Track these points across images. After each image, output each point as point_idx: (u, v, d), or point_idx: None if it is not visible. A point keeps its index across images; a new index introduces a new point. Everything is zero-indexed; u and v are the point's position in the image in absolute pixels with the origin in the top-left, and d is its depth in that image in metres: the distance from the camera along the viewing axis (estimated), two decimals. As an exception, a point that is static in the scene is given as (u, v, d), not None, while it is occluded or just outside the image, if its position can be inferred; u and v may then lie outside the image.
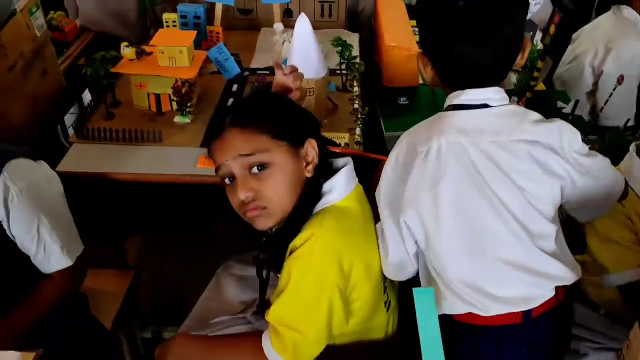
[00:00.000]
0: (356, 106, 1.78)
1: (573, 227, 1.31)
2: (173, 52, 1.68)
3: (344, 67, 1.86)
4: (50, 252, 1.27)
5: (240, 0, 2.21)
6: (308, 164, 1.11)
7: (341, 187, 1.11)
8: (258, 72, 1.98)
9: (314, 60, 1.57)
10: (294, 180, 1.09)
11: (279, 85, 1.26)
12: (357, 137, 1.64)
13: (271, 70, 1.99)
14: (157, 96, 1.72)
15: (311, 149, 1.11)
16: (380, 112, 2.07)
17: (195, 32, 1.75)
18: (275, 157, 1.07)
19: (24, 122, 1.77)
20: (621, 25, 2.13)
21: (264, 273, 1.27)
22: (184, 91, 1.65)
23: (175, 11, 2.09)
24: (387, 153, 1.87)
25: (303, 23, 1.54)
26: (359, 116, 1.73)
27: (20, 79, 1.75)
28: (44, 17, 1.97)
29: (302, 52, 1.56)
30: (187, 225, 2.35)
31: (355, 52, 1.86)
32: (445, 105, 1.13)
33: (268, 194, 1.06)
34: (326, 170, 1.13)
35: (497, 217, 1.04)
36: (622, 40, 2.09)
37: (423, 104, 2.09)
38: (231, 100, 1.81)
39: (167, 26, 2.06)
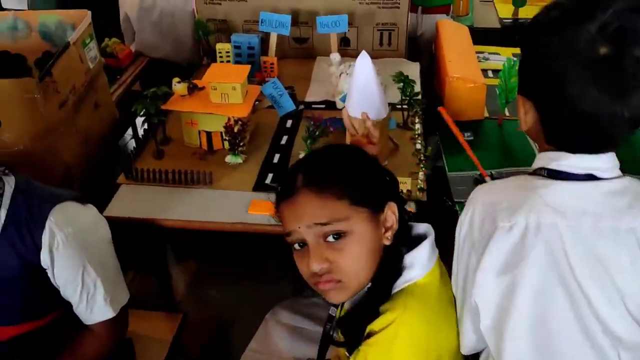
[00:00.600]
0: (418, 146, 1.66)
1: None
2: (225, 89, 1.60)
3: (404, 101, 1.73)
4: (93, 302, 1.20)
5: (295, 29, 2.12)
6: (387, 230, 0.99)
7: (424, 261, 0.98)
8: (313, 105, 1.88)
9: (375, 101, 1.45)
10: (372, 250, 0.96)
11: (356, 139, 1.14)
12: (419, 182, 1.51)
13: (327, 104, 1.89)
14: (209, 134, 1.64)
15: (391, 213, 0.99)
16: (443, 147, 1.93)
17: (248, 67, 1.67)
18: (354, 225, 0.94)
19: (76, 158, 1.72)
20: None
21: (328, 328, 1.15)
22: (236, 130, 1.57)
23: (228, 41, 2.02)
24: (449, 194, 1.76)
25: (364, 61, 1.43)
26: (422, 158, 1.60)
27: (71, 115, 1.71)
28: (98, 47, 1.93)
29: (363, 92, 1.44)
30: (236, 259, 2.28)
31: (417, 85, 1.73)
32: (536, 164, 0.95)
33: (344, 266, 0.94)
34: (406, 237, 1.01)
35: (578, 322, 0.87)
36: None
37: (489, 139, 1.94)
38: (286, 137, 1.72)
39: (220, 57, 1.99)
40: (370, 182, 0.99)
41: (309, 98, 1.92)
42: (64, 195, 1.21)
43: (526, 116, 0.94)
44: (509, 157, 1.85)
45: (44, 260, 1.15)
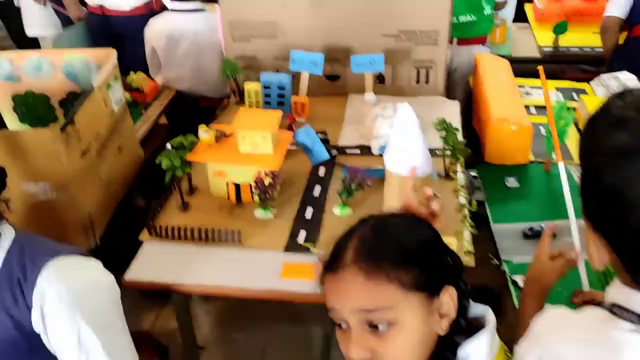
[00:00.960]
0: (462, 199, 1.53)
1: None
2: (255, 138, 1.50)
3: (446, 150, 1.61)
4: None
5: (327, 65, 2.01)
6: (442, 317, 0.87)
7: (482, 355, 0.86)
8: (347, 150, 1.77)
9: (418, 158, 1.34)
10: (423, 341, 0.83)
11: (410, 206, 1.00)
12: (465, 243, 1.39)
13: (361, 149, 1.78)
14: (237, 186, 1.54)
15: (449, 299, 0.84)
16: (485, 194, 1.80)
17: (280, 113, 1.57)
18: (405, 313, 0.81)
19: (99, 208, 1.64)
20: None
21: None
22: (267, 183, 1.46)
23: (258, 79, 1.93)
24: (495, 250, 1.62)
25: (406, 114, 1.31)
26: (467, 214, 1.47)
27: (94, 162, 1.63)
28: (122, 86, 1.86)
29: (405, 149, 1.33)
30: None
31: (459, 131, 1.61)
32: (615, 297, 0.77)
33: (389, 358, 0.83)
34: (462, 325, 0.88)
35: None
36: None
37: (536, 186, 1.80)
38: (319, 188, 1.61)
39: (249, 97, 1.90)
40: (430, 264, 0.87)
41: (342, 142, 1.81)
42: (63, 250, 1.07)
43: (599, 252, 0.77)
44: (559, 207, 1.71)
45: (36, 322, 1.01)
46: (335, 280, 0.83)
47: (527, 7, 3.21)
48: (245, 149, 1.52)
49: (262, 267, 1.35)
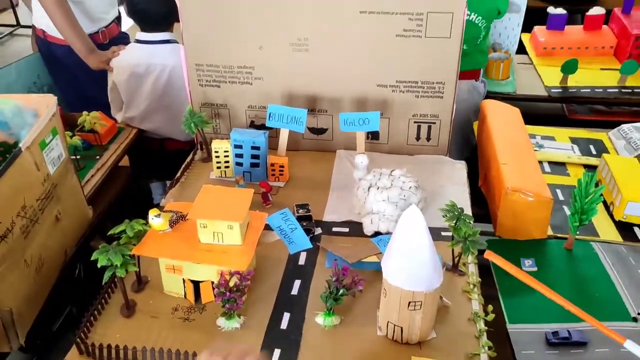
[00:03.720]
0: (475, 306, 1.24)
1: None
2: (219, 227, 1.19)
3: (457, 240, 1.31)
4: None
5: (312, 117, 1.71)
6: None
7: None
8: (333, 228, 1.47)
9: (426, 270, 1.04)
10: None
11: None
12: (483, 374, 1.09)
13: (351, 227, 1.48)
14: (196, 283, 1.23)
15: None
16: (497, 281, 1.50)
17: (252, 192, 1.26)
18: None
19: (23, 302, 1.32)
20: None
21: None
22: (232, 285, 1.15)
23: (229, 130, 1.62)
24: (512, 357, 1.34)
25: (413, 220, 1.01)
26: (482, 329, 1.18)
27: (17, 244, 1.30)
28: (64, 141, 1.54)
29: (409, 258, 1.03)
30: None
31: (472, 217, 1.31)
32: None
33: None
34: None
35: None
36: None
37: (558, 272, 1.50)
38: (298, 283, 1.30)
39: (217, 156, 1.59)
40: None
41: (328, 216, 1.51)
42: None
43: None
44: (586, 299, 1.43)
45: None
46: None
47: (525, 38, 2.94)
48: (207, 239, 1.21)
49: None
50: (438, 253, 1.36)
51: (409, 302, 1.08)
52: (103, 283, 1.16)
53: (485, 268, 1.48)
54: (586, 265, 1.52)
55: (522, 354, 1.27)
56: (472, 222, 1.28)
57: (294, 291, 1.29)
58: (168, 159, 2.10)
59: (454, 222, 1.25)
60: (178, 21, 1.67)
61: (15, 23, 5.19)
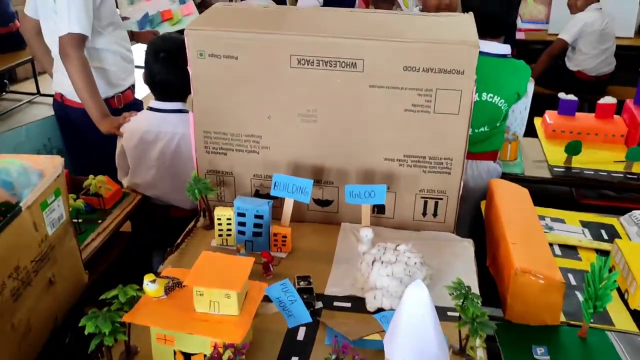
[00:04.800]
0: (484, 395, 1.16)
1: None
2: (216, 296, 1.14)
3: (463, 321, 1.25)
4: None
5: (317, 189, 1.69)
6: None
7: None
8: (335, 303, 1.41)
9: (431, 350, 0.98)
10: None
11: None
12: None
13: (353, 302, 1.42)
14: (187, 356, 1.17)
15: None
16: (507, 368, 1.42)
17: (252, 261, 1.22)
18: None
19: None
20: None
21: None
22: (225, 358, 1.09)
23: (232, 201, 1.60)
24: None
25: (417, 296, 0.96)
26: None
27: (6, 307, 1.25)
28: (66, 203, 1.52)
29: (414, 336, 0.97)
30: None
31: (480, 297, 1.25)
32: None
33: None
34: None
35: None
36: None
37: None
38: (295, 360, 1.23)
39: (219, 224, 1.56)
40: None
41: (330, 290, 1.45)
42: None
43: None
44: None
45: None
46: None
47: (537, 122, 2.97)
48: (202, 308, 1.16)
49: None
50: (444, 334, 1.30)
51: (412, 386, 1.01)
52: (89, 352, 1.10)
53: (494, 356, 1.41)
54: (601, 356, 1.44)
55: None
56: (480, 302, 1.22)
57: (291, 367, 1.21)
58: (172, 227, 2.07)
59: (461, 301, 1.19)
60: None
61: (35, 91, 5.35)
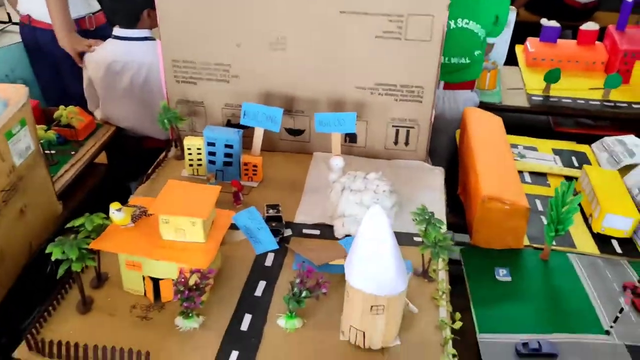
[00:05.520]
0: (443, 314, 1.20)
1: None
2: (182, 224, 1.16)
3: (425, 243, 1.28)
4: None
5: (288, 118, 1.68)
6: None
7: None
8: (304, 230, 1.44)
9: (389, 273, 1.01)
10: None
11: None
12: (446, 384, 1.06)
13: (322, 230, 1.45)
14: (155, 281, 1.20)
15: None
16: (471, 291, 1.47)
17: (218, 189, 1.23)
18: None
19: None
20: None
21: None
22: (192, 283, 1.12)
23: (202, 134, 1.59)
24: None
25: (376, 220, 0.98)
26: (448, 338, 1.14)
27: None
28: (34, 133, 1.50)
29: (372, 260, 1.00)
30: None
31: (444, 224, 1.28)
32: None
33: None
34: None
35: None
36: None
37: (533, 282, 1.47)
38: (263, 284, 1.27)
39: (190, 154, 1.56)
40: None
41: (299, 218, 1.47)
42: None
43: None
44: (560, 312, 1.40)
45: None
46: None
47: (518, 49, 2.93)
48: (168, 236, 1.18)
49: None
50: (409, 259, 1.34)
51: (372, 307, 1.05)
52: (57, 277, 1.12)
53: (459, 278, 1.45)
54: (561, 276, 1.49)
55: (490, 365, 1.23)
56: (443, 227, 1.25)
57: (258, 292, 1.25)
58: (146, 158, 2.06)
59: (424, 226, 1.22)
60: (149, 15, 1.63)
61: (7, 20, 5.15)
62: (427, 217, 1.22)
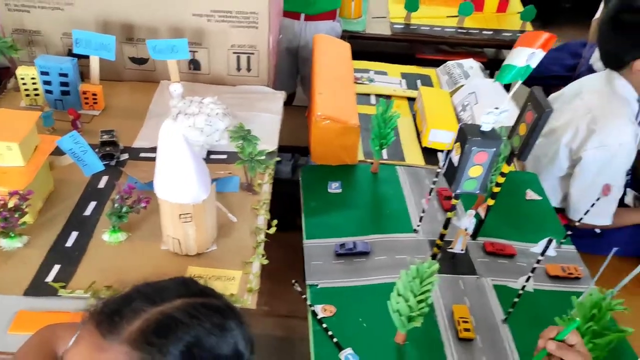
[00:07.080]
0: (260, 221, 1.33)
1: None
2: (-1, 148, 1.19)
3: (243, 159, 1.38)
4: None
5: (131, 47, 1.70)
6: None
7: None
8: (141, 154, 1.50)
9: (189, 183, 1.10)
10: None
11: None
12: (252, 277, 1.18)
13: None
14: (-22, 205, 1.23)
15: None
16: (304, 202, 1.60)
17: (37, 114, 1.26)
18: None
19: None
20: (610, 101, 1.71)
21: None
22: (11, 205, 1.17)
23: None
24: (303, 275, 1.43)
25: (169, 132, 1.06)
26: (261, 241, 1.27)
27: None
28: None
29: (172, 171, 1.09)
30: None
31: (275, 135, 1.38)
32: None
33: None
34: None
35: None
36: (609, 122, 1.68)
37: (361, 193, 1.62)
38: (93, 204, 1.34)
39: (25, 84, 1.56)
40: None
41: (138, 142, 1.53)
42: None
43: None
44: (380, 217, 1.57)
45: None
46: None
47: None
48: (-13, 161, 1.21)
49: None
50: (237, 174, 1.44)
51: (180, 215, 1.15)
52: None
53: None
54: (387, 186, 1.65)
55: (311, 264, 1.37)
56: (259, 142, 1.35)
57: (87, 212, 1.32)
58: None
59: (240, 142, 1.32)
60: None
61: None
62: (242, 134, 1.32)
